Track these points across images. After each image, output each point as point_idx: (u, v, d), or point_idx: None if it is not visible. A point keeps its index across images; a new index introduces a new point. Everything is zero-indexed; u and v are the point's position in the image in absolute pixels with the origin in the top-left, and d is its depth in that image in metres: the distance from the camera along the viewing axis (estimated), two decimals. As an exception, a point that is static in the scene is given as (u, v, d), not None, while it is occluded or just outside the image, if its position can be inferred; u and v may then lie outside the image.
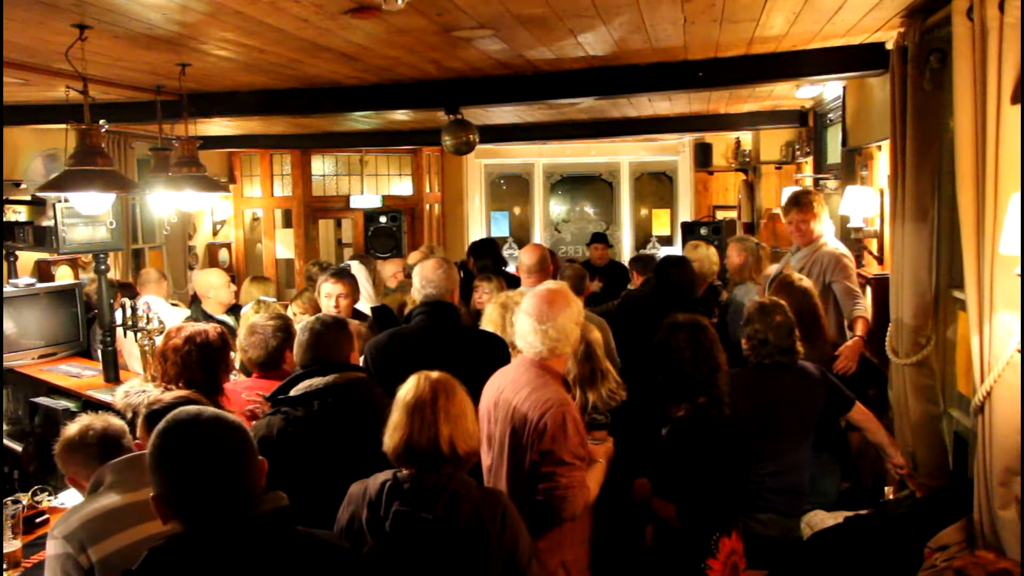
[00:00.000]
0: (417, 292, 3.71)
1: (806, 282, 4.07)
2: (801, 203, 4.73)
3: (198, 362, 3.22)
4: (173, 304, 6.19)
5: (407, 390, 2.33)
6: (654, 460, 3.12)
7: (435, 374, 2.35)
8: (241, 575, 1.71)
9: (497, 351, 3.55)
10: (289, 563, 1.77)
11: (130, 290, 6.01)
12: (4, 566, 2.94)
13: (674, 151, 11.09)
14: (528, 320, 2.82)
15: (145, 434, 2.40)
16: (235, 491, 1.73)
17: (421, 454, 2.24)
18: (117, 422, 2.72)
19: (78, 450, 2.59)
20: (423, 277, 3.68)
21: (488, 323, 3.93)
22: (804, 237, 4.69)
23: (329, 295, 4.46)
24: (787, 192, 7.13)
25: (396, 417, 2.30)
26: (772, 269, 5.18)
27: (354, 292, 4.51)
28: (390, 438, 2.29)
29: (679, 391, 3.08)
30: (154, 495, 1.74)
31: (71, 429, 2.65)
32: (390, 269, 6.48)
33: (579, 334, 2.91)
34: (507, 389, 2.85)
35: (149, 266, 7.18)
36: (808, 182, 7.16)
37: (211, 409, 1.87)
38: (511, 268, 7.41)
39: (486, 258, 6.31)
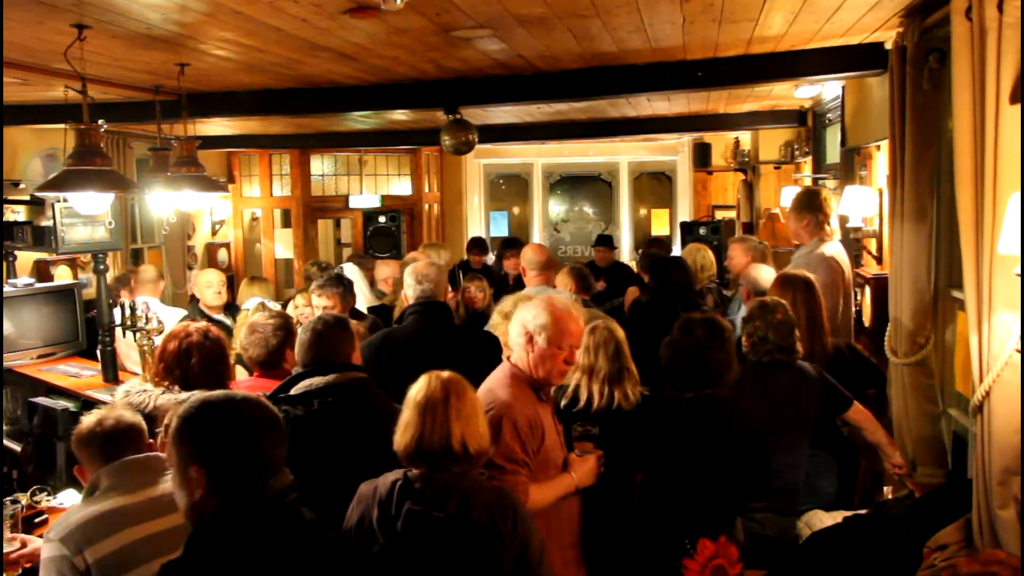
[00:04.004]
0: (411, 289, 3.72)
1: (809, 275, 4.08)
2: (790, 202, 4.87)
3: (201, 363, 3.22)
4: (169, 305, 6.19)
5: (418, 389, 2.34)
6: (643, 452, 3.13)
7: (446, 374, 2.37)
8: (278, 549, 1.75)
9: (490, 350, 3.56)
10: (308, 536, 1.82)
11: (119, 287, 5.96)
12: (3, 566, 2.94)
13: (673, 151, 11.09)
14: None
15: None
16: (272, 466, 1.80)
17: (433, 453, 2.25)
18: (130, 418, 2.67)
19: (86, 445, 2.57)
20: (418, 274, 3.69)
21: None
22: (793, 236, 4.82)
23: (316, 307, 4.52)
24: (786, 192, 7.16)
25: (407, 416, 2.31)
26: (754, 270, 5.17)
27: (342, 302, 4.51)
28: (401, 437, 2.30)
29: (686, 384, 3.08)
30: (194, 468, 1.74)
31: (83, 422, 2.62)
32: (384, 271, 6.45)
33: (520, 339, 2.86)
34: (483, 387, 2.89)
35: (147, 263, 7.16)
36: (807, 182, 7.17)
37: (249, 393, 1.93)
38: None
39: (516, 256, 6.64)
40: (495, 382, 2.85)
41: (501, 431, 2.64)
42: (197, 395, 1.88)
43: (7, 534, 3.05)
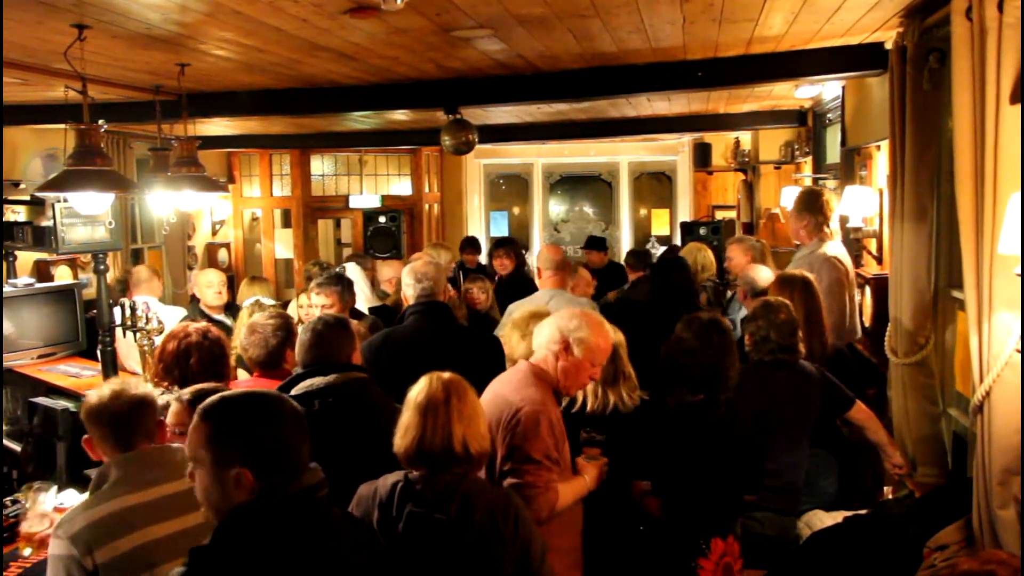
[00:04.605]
0: (410, 289, 3.71)
1: (807, 274, 4.09)
2: (792, 202, 4.86)
3: (200, 363, 3.21)
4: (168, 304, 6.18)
5: (419, 391, 2.34)
6: (654, 456, 3.13)
7: (446, 375, 2.37)
8: (310, 540, 1.76)
9: (492, 350, 3.55)
10: (340, 530, 1.84)
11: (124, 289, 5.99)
12: (7, 563, 2.94)
13: (673, 151, 11.09)
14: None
15: (187, 418, 2.33)
16: (306, 460, 1.82)
17: (434, 455, 2.25)
18: (141, 393, 2.56)
19: (96, 423, 2.49)
20: (417, 273, 3.68)
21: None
22: (795, 236, 4.81)
23: (313, 306, 4.54)
24: (786, 192, 7.16)
25: (408, 418, 2.31)
26: (753, 270, 5.17)
27: (341, 301, 4.51)
28: (402, 438, 2.29)
29: (689, 385, 3.08)
30: (236, 467, 1.73)
31: (93, 397, 2.54)
32: (387, 271, 6.47)
33: (554, 345, 2.85)
34: (499, 385, 2.90)
35: (143, 264, 7.15)
36: (807, 182, 7.17)
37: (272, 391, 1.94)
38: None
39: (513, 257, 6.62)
40: (517, 382, 2.83)
41: (539, 427, 2.65)
42: (221, 393, 1.86)
43: (39, 511, 3.09)
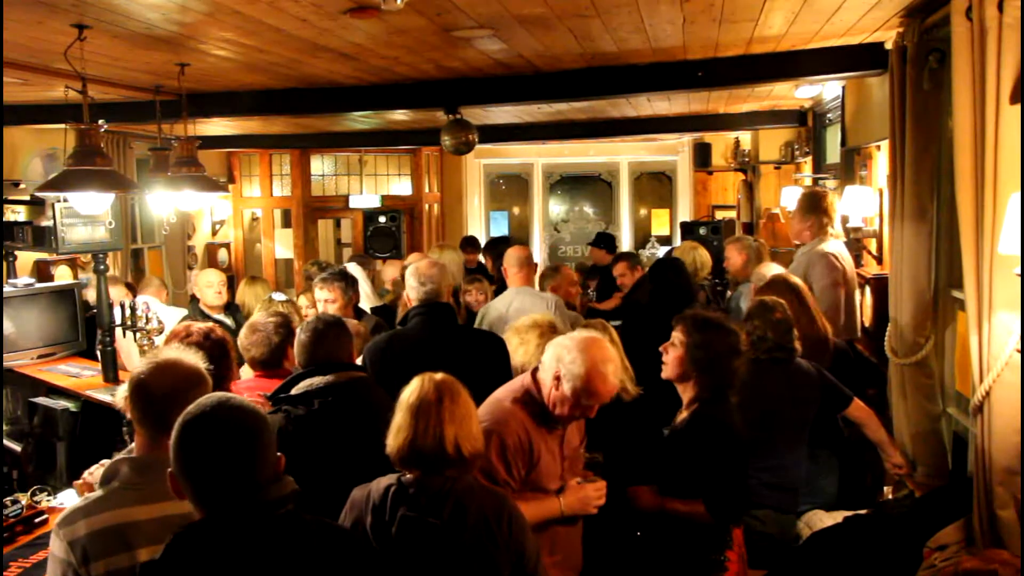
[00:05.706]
0: (414, 291, 3.70)
1: (796, 280, 4.11)
2: (795, 203, 4.87)
3: (206, 361, 3.20)
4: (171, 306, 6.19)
5: (411, 392, 2.32)
6: (661, 462, 3.10)
7: (439, 376, 2.35)
8: (260, 559, 1.74)
9: (496, 351, 3.54)
10: (303, 546, 1.80)
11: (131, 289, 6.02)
12: (7, 563, 2.93)
13: (673, 151, 11.09)
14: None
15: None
16: (253, 477, 1.76)
17: (426, 455, 2.23)
18: (191, 373, 2.29)
19: (133, 401, 2.26)
20: (421, 275, 3.67)
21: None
22: (795, 236, 4.82)
23: (317, 300, 4.58)
24: (786, 192, 7.16)
25: (400, 418, 2.29)
26: (765, 267, 5.19)
27: (343, 297, 4.52)
28: (394, 439, 2.28)
29: (721, 385, 3.07)
30: (172, 475, 1.78)
31: (140, 367, 2.30)
32: (390, 271, 6.51)
33: (550, 371, 2.76)
34: (498, 390, 2.86)
35: (151, 273, 7.19)
36: (807, 182, 7.17)
37: (235, 396, 1.89)
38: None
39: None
40: (505, 392, 2.79)
41: (490, 449, 2.57)
42: (198, 401, 1.85)
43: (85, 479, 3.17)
